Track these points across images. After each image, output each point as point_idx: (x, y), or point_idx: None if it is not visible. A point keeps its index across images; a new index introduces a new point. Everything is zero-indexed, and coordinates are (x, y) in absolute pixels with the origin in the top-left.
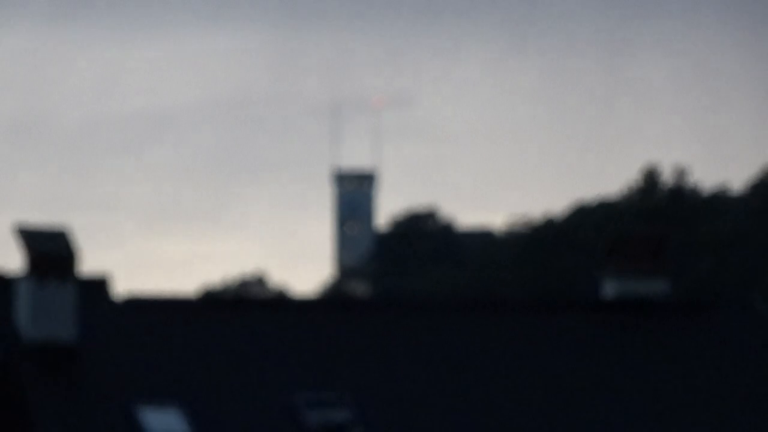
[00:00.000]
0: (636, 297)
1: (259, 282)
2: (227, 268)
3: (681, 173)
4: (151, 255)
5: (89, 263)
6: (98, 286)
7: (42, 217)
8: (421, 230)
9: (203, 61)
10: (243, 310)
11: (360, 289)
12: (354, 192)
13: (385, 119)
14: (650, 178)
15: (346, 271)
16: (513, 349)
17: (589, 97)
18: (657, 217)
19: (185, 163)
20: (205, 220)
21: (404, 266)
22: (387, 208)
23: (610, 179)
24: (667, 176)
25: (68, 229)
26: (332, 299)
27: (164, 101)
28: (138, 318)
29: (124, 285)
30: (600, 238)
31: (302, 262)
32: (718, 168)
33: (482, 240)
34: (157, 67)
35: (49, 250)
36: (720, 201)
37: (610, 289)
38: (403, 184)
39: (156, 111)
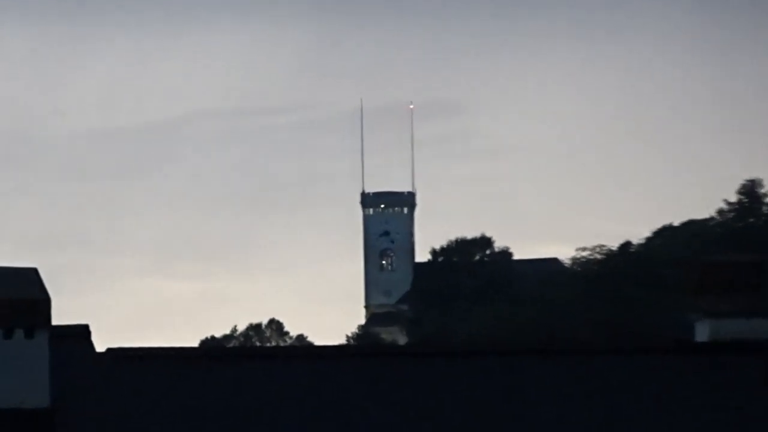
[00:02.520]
0: (731, 337)
1: (275, 328)
2: (238, 313)
3: None
4: (150, 298)
5: (67, 310)
6: (77, 338)
7: (14, 254)
8: (470, 262)
9: (220, 64)
10: (253, 362)
11: (394, 334)
12: (388, 217)
13: (426, 131)
14: (749, 195)
15: (377, 314)
16: (580, 400)
17: (672, 107)
18: (755, 241)
19: (196, 187)
20: (216, 256)
21: (448, 305)
22: (427, 236)
23: (697, 200)
24: None
25: (35, 271)
26: (360, 347)
27: (173, 112)
28: (123, 375)
29: (110, 335)
30: (686, 266)
31: (326, 303)
32: None
33: (545, 271)
34: (164, 73)
35: (15, 295)
36: None
37: (699, 327)
38: (447, 208)
39: (162, 123)
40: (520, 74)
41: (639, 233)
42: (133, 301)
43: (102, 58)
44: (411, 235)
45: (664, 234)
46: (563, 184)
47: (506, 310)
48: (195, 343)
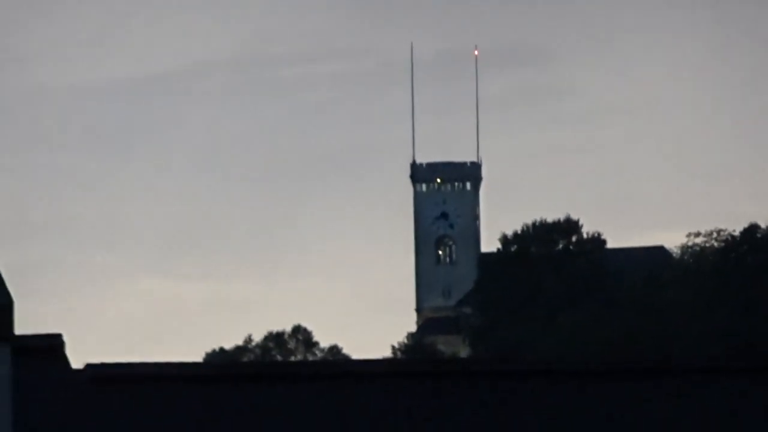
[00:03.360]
0: None
1: (301, 338)
2: (254, 319)
3: None
4: (143, 301)
5: (35, 316)
6: (47, 352)
7: None
8: (552, 252)
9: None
10: (271, 383)
11: (454, 345)
12: (447, 196)
13: (496, 85)
14: None
15: (433, 320)
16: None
17: None
18: None
19: (202, 161)
20: (227, 249)
21: (524, 308)
22: (497, 220)
23: None
24: None
25: None
26: (410, 362)
27: (174, 62)
28: (105, 399)
29: (90, 349)
30: None
31: (366, 306)
32: None
33: (649, 264)
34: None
35: None
36: None
37: None
38: (522, 184)
39: (161, 77)
40: (623, 15)
41: (766, 216)
42: (121, 305)
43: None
44: (476, 218)
45: None
46: (670, 154)
47: (600, 316)
48: (199, 358)
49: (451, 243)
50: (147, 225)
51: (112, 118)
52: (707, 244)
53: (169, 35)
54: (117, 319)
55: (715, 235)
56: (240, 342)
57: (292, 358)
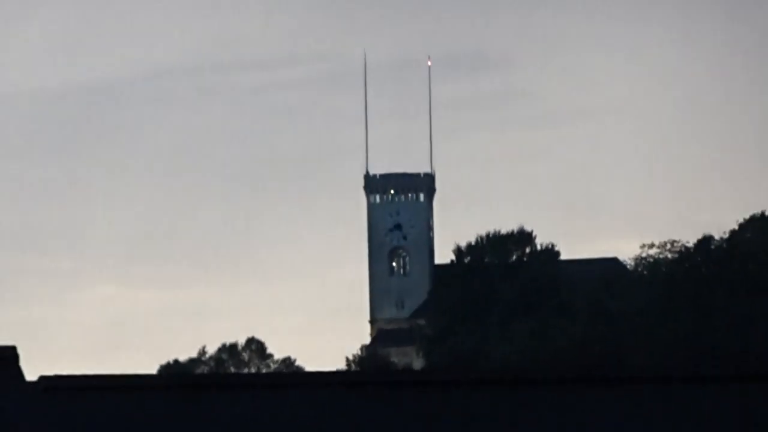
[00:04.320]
0: None
1: (255, 349)
2: (209, 330)
3: None
4: (98, 311)
5: None
6: (0, 364)
7: None
8: (505, 263)
9: (192, 10)
10: (225, 393)
11: (408, 356)
12: (400, 206)
13: (448, 93)
14: None
15: (386, 331)
16: None
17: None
18: None
19: (158, 167)
20: (182, 258)
21: (478, 318)
22: (450, 231)
23: None
24: None
25: None
26: (364, 373)
27: (132, 69)
28: (60, 411)
29: (45, 360)
30: None
31: (320, 318)
32: None
33: (602, 275)
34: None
35: None
36: None
37: None
38: (475, 194)
39: (115, 84)
40: (577, 21)
41: (721, 224)
42: (76, 315)
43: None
44: (429, 229)
45: (754, 225)
46: (624, 163)
47: (553, 325)
48: (153, 370)
49: (404, 254)
50: (102, 232)
51: (68, 124)
52: (661, 256)
53: (127, 40)
54: (72, 328)
55: (668, 246)
56: (194, 354)
57: (246, 370)
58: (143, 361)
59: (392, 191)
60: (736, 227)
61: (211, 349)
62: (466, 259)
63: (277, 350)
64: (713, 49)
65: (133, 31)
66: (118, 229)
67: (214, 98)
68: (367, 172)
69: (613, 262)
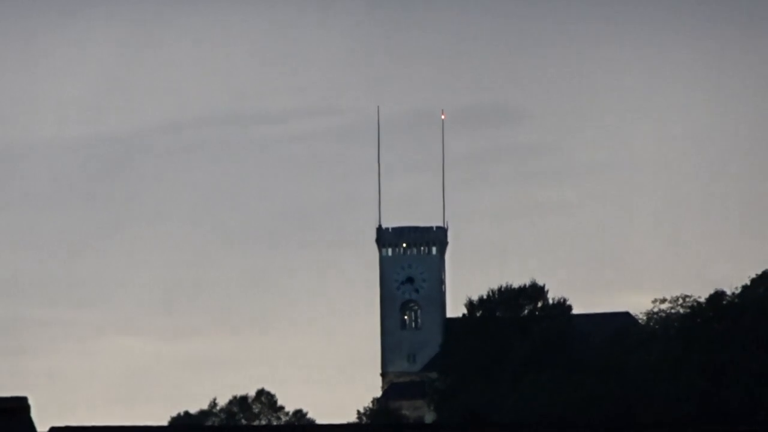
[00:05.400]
0: None
1: (266, 401)
2: (220, 382)
3: None
4: (109, 362)
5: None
6: (11, 414)
7: None
8: (517, 317)
9: (202, 62)
10: None
11: (420, 410)
12: (412, 260)
13: (462, 147)
14: None
15: (398, 384)
16: None
17: None
18: None
19: (169, 220)
20: (194, 310)
21: (490, 373)
22: (462, 285)
23: None
24: None
25: None
26: (375, 427)
27: (137, 122)
28: None
29: (56, 411)
30: None
31: (331, 370)
32: None
33: (614, 329)
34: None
35: None
36: None
37: None
38: (488, 248)
39: (124, 136)
40: (591, 75)
41: (732, 280)
42: (88, 366)
43: (48, 56)
44: (441, 282)
45: (766, 282)
46: (637, 216)
47: (565, 380)
48: (164, 421)
49: (416, 307)
50: (116, 284)
51: (85, 175)
52: (673, 310)
53: (146, 95)
54: (87, 379)
55: (680, 301)
56: (205, 406)
57: (257, 423)
58: (155, 412)
59: (404, 245)
60: (748, 282)
61: (222, 402)
62: (478, 313)
63: (288, 403)
64: (729, 104)
65: (151, 85)
66: (135, 282)
67: (231, 151)
68: (380, 225)
69: (626, 316)
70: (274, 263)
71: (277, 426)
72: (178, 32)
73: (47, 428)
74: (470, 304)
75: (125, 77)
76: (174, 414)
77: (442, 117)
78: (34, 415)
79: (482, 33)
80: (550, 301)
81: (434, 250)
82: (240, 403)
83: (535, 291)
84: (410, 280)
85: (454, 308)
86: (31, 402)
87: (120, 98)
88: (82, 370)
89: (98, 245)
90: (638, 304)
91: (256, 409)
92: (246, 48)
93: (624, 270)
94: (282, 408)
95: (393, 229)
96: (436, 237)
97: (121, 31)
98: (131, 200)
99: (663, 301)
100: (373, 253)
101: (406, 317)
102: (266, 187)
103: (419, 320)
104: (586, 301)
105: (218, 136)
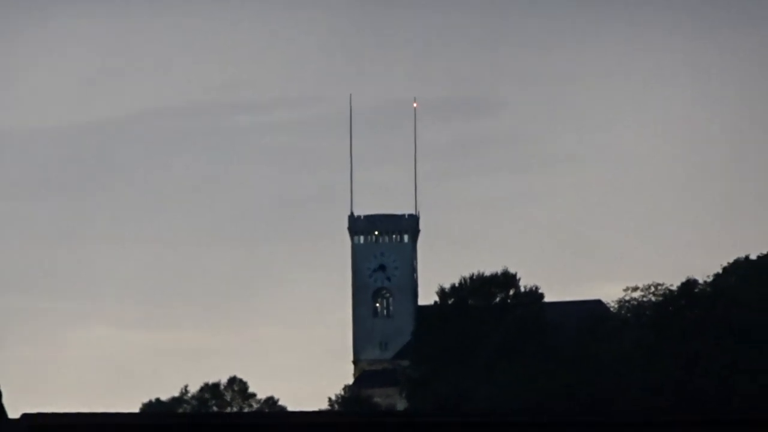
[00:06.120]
0: None
1: (237, 389)
2: (191, 369)
3: None
4: (81, 350)
5: None
6: None
7: None
8: (489, 305)
9: (174, 49)
10: None
11: (391, 398)
12: (384, 248)
13: (433, 136)
14: None
15: (369, 372)
16: None
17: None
18: None
19: (140, 208)
20: (165, 298)
21: (462, 361)
22: (434, 272)
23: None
24: None
25: None
26: (346, 414)
27: (109, 110)
28: None
29: (28, 398)
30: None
31: (303, 358)
32: None
33: (586, 317)
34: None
35: None
36: None
37: None
38: (460, 236)
39: (95, 124)
40: (562, 64)
41: (705, 268)
42: (59, 353)
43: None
44: (413, 270)
45: (738, 270)
46: (608, 206)
47: (537, 368)
48: (136, 408)
49: (388, 295)
50: (91, 275)
51: (62, 164)
52: (645, 298)
53: (117, 86)
54: (53, 367)
55: (652, 289)
56: (176, 393)
57: (229, 410)
58: (127, 399)
59: (376, 232)
60: (720, 271)
61: (193, 389)
62: (450, 301)
63: (260, 390)
64: (703, 93)
65: (123, 76)
66: (109, 273)
67: (201, 140)
68: (352, 213)
69: (597, 304)
70: (246, 252)
71: (248, 413)
72: (146, 25)
73: (19, 414)
74: (442, 292)
75: (104, 67)
76: (145, 401)
77: (414, 105)
78: (6, 402)
79: (455, 22)
80: (522, 289)
81: (406, 238)
82: (211, 390)
83: (507, 279)
84: (382, 267)
85: (426, 296)
86: (2, 389)
87: (100, 88)
88: (56, 358)
89: (72, 235)
90: (610, 292)
91: (227, 396)
92: (216, 39)
93: (596, 258)
94: (254, 395)
95: (365, 217)
96: (408, 225)
97: (103, 20)
98: (106, 191)
99: (635, 289)
100: (345, 241)
101: (378, 305)
102: (237, 176)
103: (391, 308)
104: (558, 289)
105: (187, 126)
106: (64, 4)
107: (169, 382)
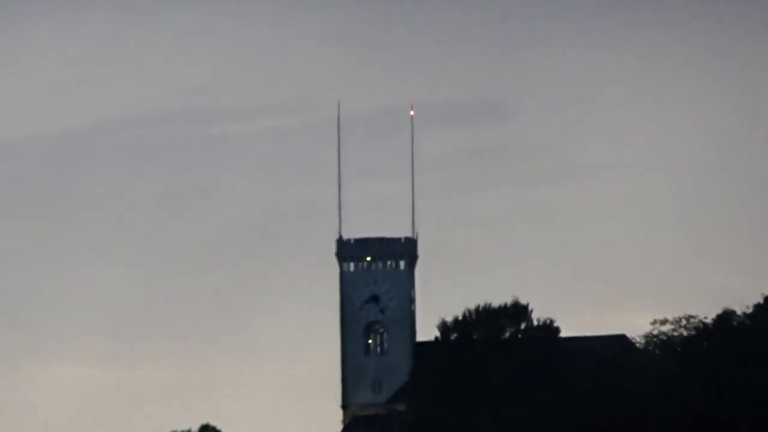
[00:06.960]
0: None
1: None
2: (162, 416)
3: None
4: (46, 391)
5: None
6: None
7: None
8: (498, 340)
9: (151, 55)
10: None
11: None
12: (378, 276)
13: (433, 148)
14: None
15: (361, 418)
16: None
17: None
18: None
19: (107, 232)
20: (135, 335)
21: (466, 403)
22: (434, 304)
23: None
24: None
25: None
26: None
27: (78, 120)
28: None
29: None
30: None
31: (285, 402)
32: None
33: (607, 353)
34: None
35: None
36: None
37: None
38: (463, 262)
39: (64, 134)
40: (574, 69)
41: (741, 300)
42: (18, 395)
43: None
44: (410, 301)
45: None
46: (634, 230)
47: (550, 411)
48: None
49: (382, 330)
50: (52, 306)
51: (21, 179)
52: (675, 332)
53: (96, 93)
54: (15, 408)
55: (684, 322)
56: None
57: None
58: None
59: (368, 258)
60: (762, 301)
61: None
62: (453, 336)
63: None
64: (742, 105)
65: (95, 83)
66: (68, 301)
67: (186, 149)
68: (340, 236)
69: (621, 339)
70: (223, 280)
71: None
72: (134, 29)
73: None
74: (443, 326)
75: (77, 74)
76: None
77: (411, 113)
78: None
79: (456, 21)
80: (535, 322)
81: (402, 264)
82: None
83: (518, 310)
84: (375, 298)
85: (425, 331)
86: None
87: (68, 96)
88: (12, 400)
89: (30, 260)
90: (636, 325)
91: None
92: (186, 44)
93: (619, 287)
94: None
95: (355, 240)
96: (405, 249)
97: (81, 26)
98: (65, 208)
99: (664, 322)
100: (332, 268)
101: (370, 341)
102: (214, 194)
103: (385, 344)
104: (575, 322)
105: (171, 134)
106: (39, 10)
107: (134, 429)
